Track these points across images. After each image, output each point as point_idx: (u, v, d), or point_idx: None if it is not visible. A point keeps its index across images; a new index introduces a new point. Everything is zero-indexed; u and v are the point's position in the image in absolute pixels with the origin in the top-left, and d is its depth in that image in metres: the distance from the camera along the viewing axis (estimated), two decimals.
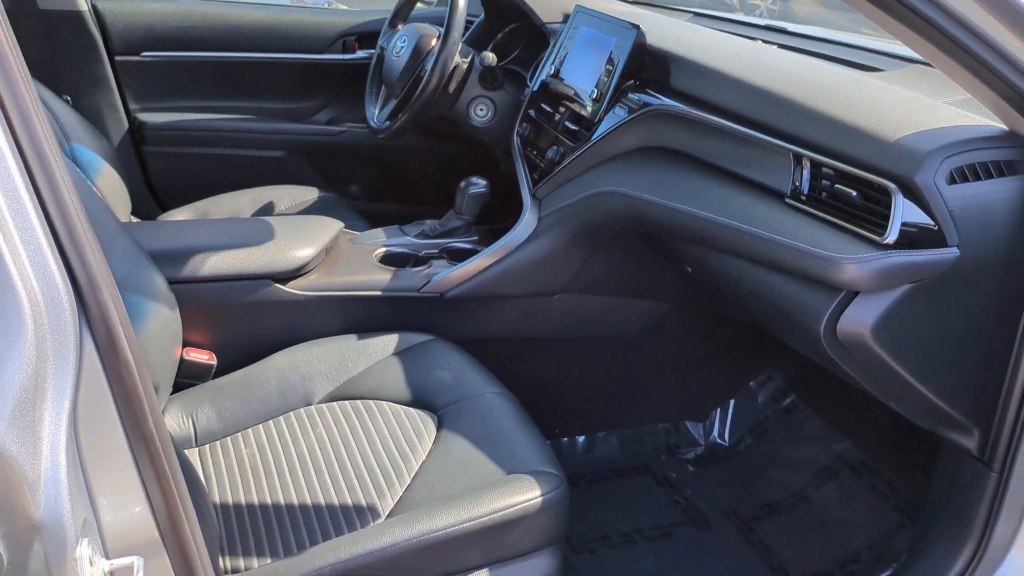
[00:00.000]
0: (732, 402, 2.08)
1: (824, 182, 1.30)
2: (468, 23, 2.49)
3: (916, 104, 1.32)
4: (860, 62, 1.80)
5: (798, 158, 1.33)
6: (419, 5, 2.46)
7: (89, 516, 0.77)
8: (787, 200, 1.34)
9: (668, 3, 2.52)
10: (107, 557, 0.78)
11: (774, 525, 1.81)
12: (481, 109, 2.14)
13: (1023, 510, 1.35)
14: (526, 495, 1.25)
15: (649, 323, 1.95)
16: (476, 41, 2.39)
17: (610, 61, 1.74)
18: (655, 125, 1.61)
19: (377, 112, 2.25)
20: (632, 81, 1.71)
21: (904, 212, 1.17)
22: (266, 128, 2.55)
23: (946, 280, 1.20)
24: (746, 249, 1.36)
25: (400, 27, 2.27)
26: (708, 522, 1.82)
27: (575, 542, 1.75)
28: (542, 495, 1.25)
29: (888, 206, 1.18)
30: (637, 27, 1.69)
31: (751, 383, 2.08)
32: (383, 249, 1.85)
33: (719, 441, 2.06)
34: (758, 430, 2.04)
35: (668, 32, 1.83)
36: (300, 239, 1.72)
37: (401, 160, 2.68)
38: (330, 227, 1.80)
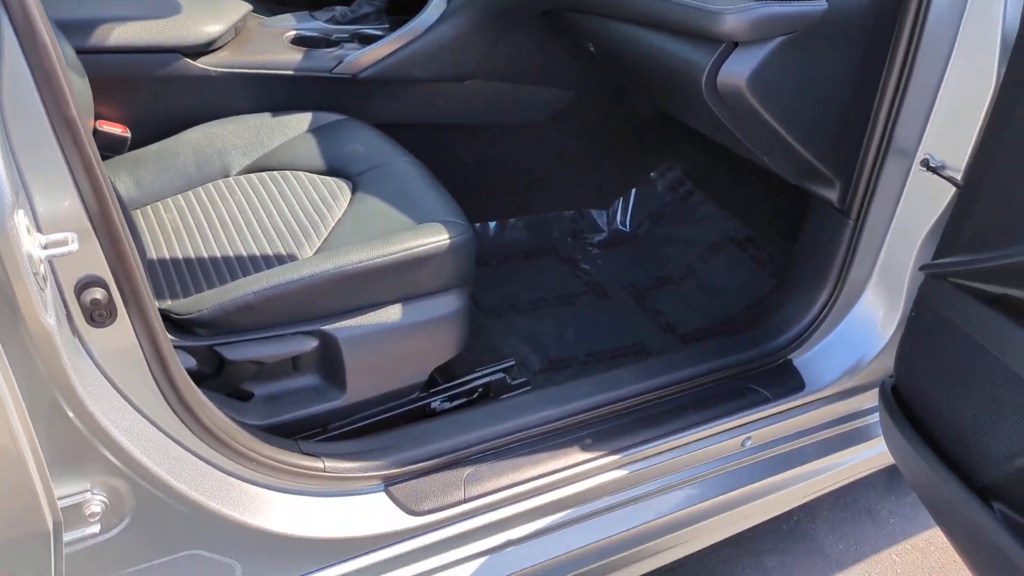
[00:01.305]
0: (634, 191, 2.22)
1: None
2: None
3: None
4: None
5: None
6: None
7: (23, 195, 0.84)
8: None
9: None
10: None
11: (666, 294, 1.99)
12: None
13: (876, 254, 1.53)
14: (434, 238, 1.36)
15: (555, 111, 2.04)
16: None
17: None
18: None
19: None
20: None
21: None
22: None
23: (815, 33, 1.31)
24: (638, 12, 1.45)
25: None
26: (607, 292, 1.99)
27: (485, 309, 1.91)
28: (449, 238, 1.37)
29: None
30: None
31: (652, 173, 2.22)
32: (293, 32, 1.86)
33: (621, 228, 2.22)
34: (656, 215, 2.19)
35: None
36: (209, 15, 1.72)
37: None
38: (238, 6, 1.79)
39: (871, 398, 1.60)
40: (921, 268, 1.28)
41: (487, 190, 2.09)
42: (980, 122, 1.29)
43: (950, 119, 1.31)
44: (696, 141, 2.00)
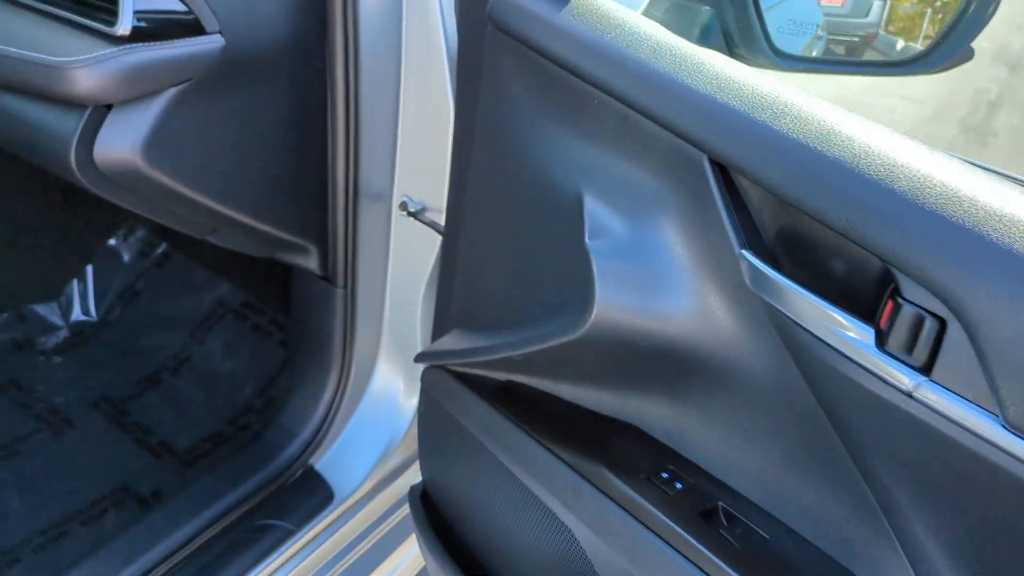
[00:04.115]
0: (90, 268, 1.72)
1: None
2: None
3: None
4: None
5: None
6: None
7: None
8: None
9: None
10: None
11: (155, 400, 1.55)
12: None
13: (379, 321, 1.28)
14: None
15: None
16: None
17: None
18: None
19: None
20: None
21: None
22: None
23: (223, 77, 0.97)
24: None
25: None
26: (71, 419, 1.49)
27: None
28: None
29: None
30: None
31: (111, 240, 1.73)
32: None
33: (84, 318, 1.70)
34: (128, 294, 1.72)
35: None
36: None
37: None
38: None
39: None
40: (416, 359, 1.03)
41: None
42: (448, 151, 1.09)
43: (418, 152, 1.11)
44: None
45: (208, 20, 0.93)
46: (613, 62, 0.74)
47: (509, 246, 0.92)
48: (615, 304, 0.72)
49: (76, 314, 1.69)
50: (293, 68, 1.05)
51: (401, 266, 1.24)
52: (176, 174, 0.99)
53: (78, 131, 0.92)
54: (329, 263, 1.22)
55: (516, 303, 0.91)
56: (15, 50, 0.89)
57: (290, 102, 1.08)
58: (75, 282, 1.71)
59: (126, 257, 1.74)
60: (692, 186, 0.69)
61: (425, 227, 1.19)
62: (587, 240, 0.73)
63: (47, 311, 1.67)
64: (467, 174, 0.97)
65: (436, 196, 1.16)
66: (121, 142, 0.93)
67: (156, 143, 0.95)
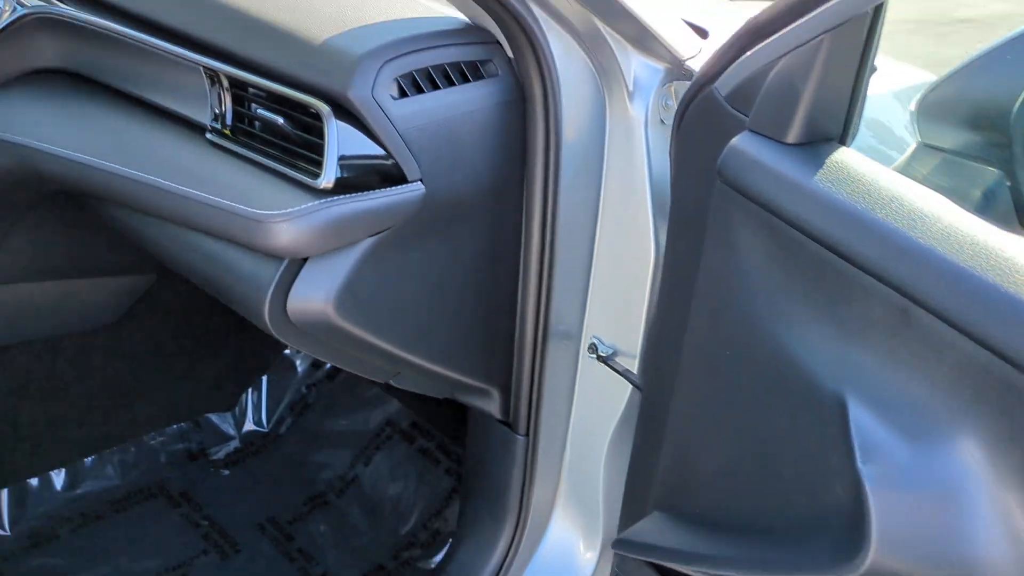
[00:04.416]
0: (265, 379, 1.72)
1: (253, 107, 0.93)
2: None
3: None
4: None
5: (212, 75, 0.94)
6: None
7: None
8: (208, 136, 0.95)
9: None
10: None
11: (319, 523, 1.50)
12: None
13: (559, 474, 1.18)
14: None
15: (130, 303, 1.49)
16: None
17: None
18: (37, 37, 1.11)
19: None
20: None
21: (341, 143, 0.85)
22: None
23: (418, 224, 0.92)
24: (160, 207, 0.96)
25: None
26: (236, 543, 1.46)
27: None
28: None
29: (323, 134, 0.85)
30: None
31: (286, 351, 1.73)
32: None
33: (256, 428, 1.70)
34: (300, 406, 1.70)
35: None
36: None
37: None
38: None
39: None
40: (613, 545, 0.91)
41: (38, 427, 1.47)
42: (647, 296, 0.99)
43: (611, 292, 1.04)
44: None
45: (410, 168, 0.88)
46: (889, 243, 0.61)
47: (735, 428, 0.79)
48: (898, 548, 0.57)
49: (249, 424, 1.69)
50: (489, 210, 0.99)
51: (585, 413, 1.13)
52: (366, 324, 0.94)
53: (273, 283, 0.88)
54: (511, 408, 1.13)
55: (740, 501, 0.77)
56: (216, 199, 0.87)
57: (483, 244, 1.01)
58: (250, 391, 1.71)
59: (300, 368, 1.73)
60: (1004, 407, 0.54)
61: (613, 373, 1.08)
62: (859, 463, 0.59)
63: (221, 420, 1.68)
64: (676, 328, 0.86)
65: (628, 340, 1.06)
66: (315, 294, 0.89)
67: (349, 294, 0.90)
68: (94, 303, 1.45)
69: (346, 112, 0.86)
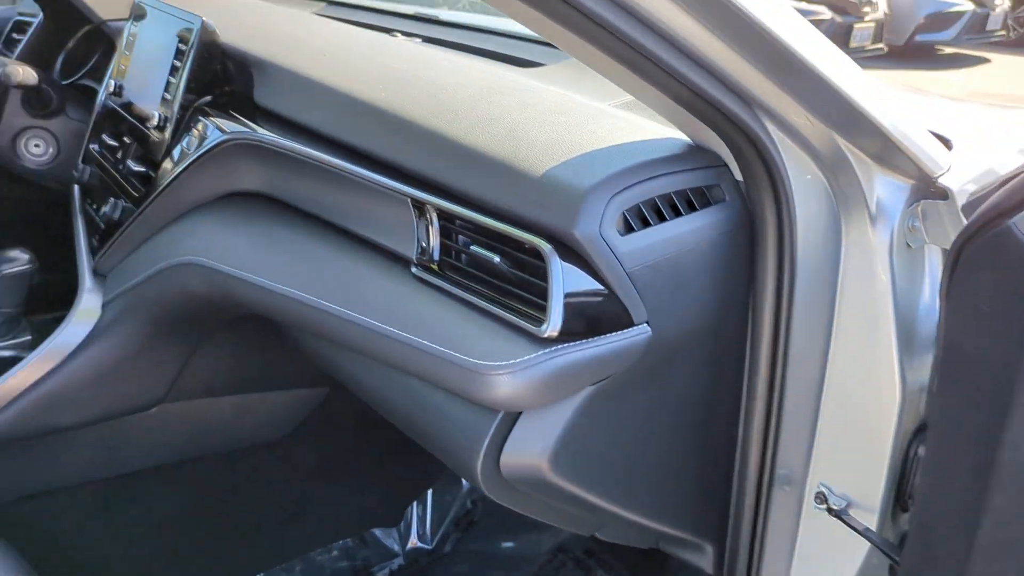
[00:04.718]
0: (430, 493, 1.64)
1: (461, 240, 0.87)
2: (24, 26, 1.83)
3: (570, 115, 0.93)
4: (520, 56, 1.42)
5: (420, 207, 0.89)
6: None
7: None
8: (414, 270, 0.89)
9: None
10: None
11: None
12: (36, 145, 1.52)
13: None
14: None
15: (303, 416, 1.46)
16: (40, 50, 1.74)
17: (173, 72, 1.20)
18: (238, 163, 1.11)
19: None
20: (208, 99, 1.19)
21: (567, 284, 0.76)
22: None
23: (638, 369, 0.82)
24: (364, 346, 0.90)
25: None
26: None
27: None
28: None
29: (547, 276, 0.77)
30: (200, 19, 1.17)
31: None
32: None
33: (421, 545, 1.61)
34: (465, 521, 1.62)
35: (265, 28, 1.34)
36: None
37: None
38: None
39: None
40: None
41: (207, 542, 1.44)
42: (891, 442, 0.86)
43: (844, 435, 0.91)
44: None
45: (637, 310, 0.79)
46: None
47: None
48: None
49: (413, 538, 1.61)
50: (710, 347, 0.89)
51: (808, 572, 0.99)
52: (578, 478, 0.84)
53: (488, 436, 0.80)
54: (727, 564, 1.00)
55: None
56: (429, 344, 0.80)
57: (702, 384, 0.90)
58: (415, 505, 1.64)
59: (464, 482, 1.65)
60: None
61: (845, 528, 0.94)
62: None
63: (386, 536, 1.61)
64: (963, 505, 0.72)
65: (864, 491, 0.92)
66: (529, 449, 0.80)
67: (563, 448, 0.81)
68: (268, 417, 1.43)
69: (566, 248, 0.78)
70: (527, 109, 0.94)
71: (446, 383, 0.81)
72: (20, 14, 1.88)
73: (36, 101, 1.49)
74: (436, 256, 0.88)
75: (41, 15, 1.73)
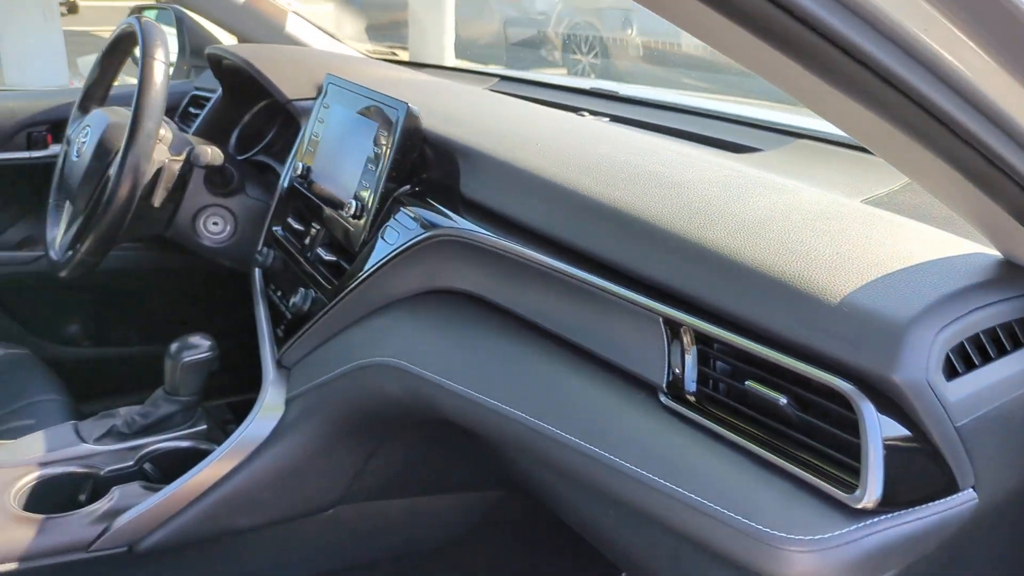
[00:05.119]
0: None
1: (720, 365, 0.75)
2: (202, 101, 1.85)
3: (844, 219, 0.80)
4: (724, 138, 1.30)
5: (673, 326, 0.77)
6: (126, 79, 1.80)
7: None
8: (663, 399, 0.77)
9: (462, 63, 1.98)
10: None
11: None
12: (215, 223, 1.50)
13: None
14: None
15: (476, 519, 1.35)
16: (216, 124, 1.75)
17: (374, 158, 1.14)
18: (444, 259, 1.02)
19: (60, 236, 1.55)
20: (407, 187, 1.12)
21: (884, 437, 0.63)
22: None
23: (956, 541, 0.67)
24: (605, 486, 0.79)
25: (93, 111, 1.59)
26: None
27: None
28: None
29: (850, 424, 0.64)
30: (406, 105, 1.11)
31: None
32: (33, 476, 1.15)
33: None
34: None
35: (459, 109, 1.27)
36: None
37: (138, 284, 1.97)
38: None
39: None
40: None
41: None
42: None
43: None
44: None
45: (963, 472, 0.64)
46: None
47: None
48: None
49: None
50: None
51: None
52: None
53: None
54: None
55: None
56: (705, 502, 0.68)
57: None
58: None
59: None
60: None
61: None
62: None
63: None
64: None
65: None
66: None
67: None
68: (442, 520, 1.33)
69: (875, 393, 0.64)
70: (792, 212, 0.82)
71: (721, 547, 0.68)
72: (197, 88, 1.91)
73: (218, 179, 1.48)
74: (692, 386, 0.76)
75: (220, 90, 1.74)
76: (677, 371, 0.76)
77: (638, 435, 0.76)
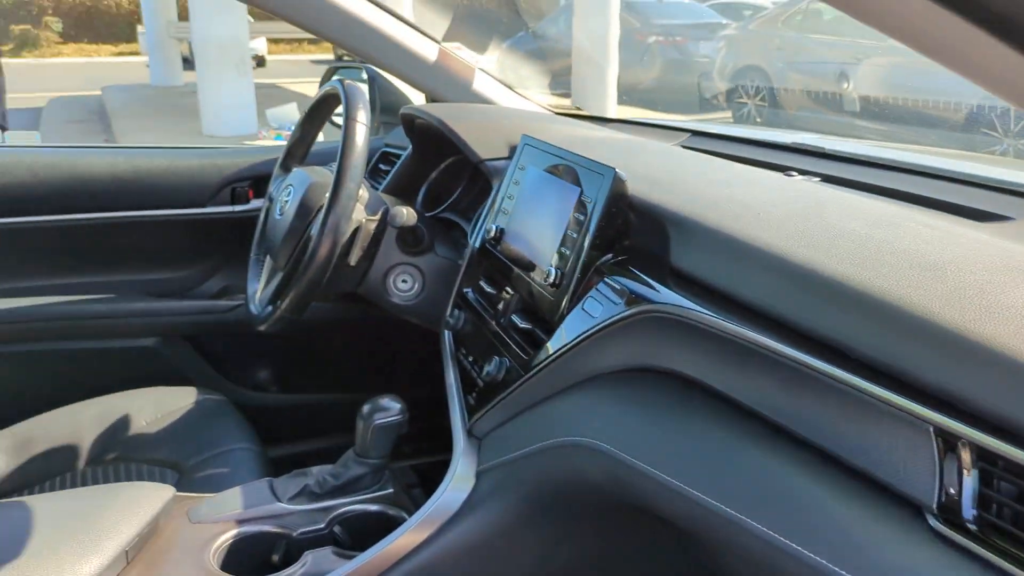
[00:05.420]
0: None
1: (1006, 486, 0.63)
2: (391, 158, 1.88)
3: None
4: (963, 203, 1.16)
5: (947, 439, 0.66)
6: (325, 138, 1.86)
7: None
8: (933, 523, 0.66)
9: (648, 117, 1.92)
10: None
11: None
12: (404, 281, 1.51)
13: None
14: None
15: None
16: (405, 181, 1.78)
17: (575, 224, 1.10)
18: (655, 336, 0.95)
19: (260, 290, 1.60)
20: (610, 256, 1.07)
21: None
22: (131, 309, 1.90)
23: None
24: None
25: (294, 170, 1.65)
26: None
27: None
28: None
29: None
30: (613, 170, 1.06)
31: None
32: (231, 535, 1.16)
33: None
34: None
35: (660, 171, 1.20)
36: (85, 542, 1.04)
37: (327, 335, 2.03)
38: (144, 506, 1.12)
39: None
40: None
41: None
42: None
43: None
44: None
45: None
46: None
47: None
48: None
49: None
50: None
51: None
52: None
53: None
54: None
55: None
56: None
57: None
58: None
59: None
60: None
61: None
62: None
63: None
64: None
65: None
66: None
67: None
68: None
69: None
70: None
71: None
72: (387, 145, 1.95)
73: (410, 239, 1.48)
74: (971, 512, 0.64)
75: (410, 148, 1.76)
76: (952, 491, 0.65)
77: (904, 563, 0.65)
